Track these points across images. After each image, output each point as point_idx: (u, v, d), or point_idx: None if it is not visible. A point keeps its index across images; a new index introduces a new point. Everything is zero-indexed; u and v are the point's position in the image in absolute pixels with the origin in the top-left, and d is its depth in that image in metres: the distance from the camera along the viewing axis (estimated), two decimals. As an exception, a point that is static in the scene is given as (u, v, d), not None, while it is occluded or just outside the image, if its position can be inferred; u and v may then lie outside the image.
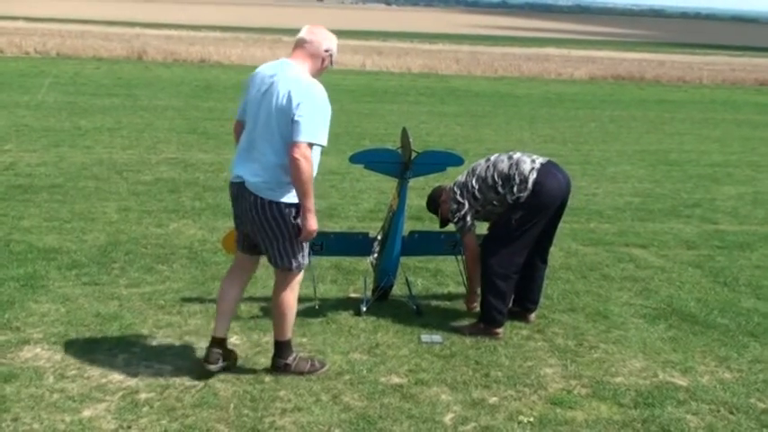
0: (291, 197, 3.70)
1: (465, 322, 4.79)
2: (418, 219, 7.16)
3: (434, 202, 4.91)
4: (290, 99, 3.61)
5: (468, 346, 4.46)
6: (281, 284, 3.89)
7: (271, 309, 4.10)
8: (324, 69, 3.86)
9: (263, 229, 3.75)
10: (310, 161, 3.61)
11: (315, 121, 3.64)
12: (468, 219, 4.64)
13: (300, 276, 3.94)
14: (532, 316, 4.89)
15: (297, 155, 3.57)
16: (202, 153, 10.46)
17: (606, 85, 27.21)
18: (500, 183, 4.53)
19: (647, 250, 6.83)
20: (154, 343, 4.31)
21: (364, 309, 4.84)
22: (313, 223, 3.71)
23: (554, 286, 5.63)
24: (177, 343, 4.32)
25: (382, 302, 5.06)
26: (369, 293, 5.06)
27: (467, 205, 4.63)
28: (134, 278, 5.37)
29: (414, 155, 4.49)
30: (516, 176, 4.48)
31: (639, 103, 21.10)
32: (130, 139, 11.20)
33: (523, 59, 33.05)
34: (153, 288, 5.19)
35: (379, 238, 5.05)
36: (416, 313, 4.94)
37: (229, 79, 21.54)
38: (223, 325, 3.95)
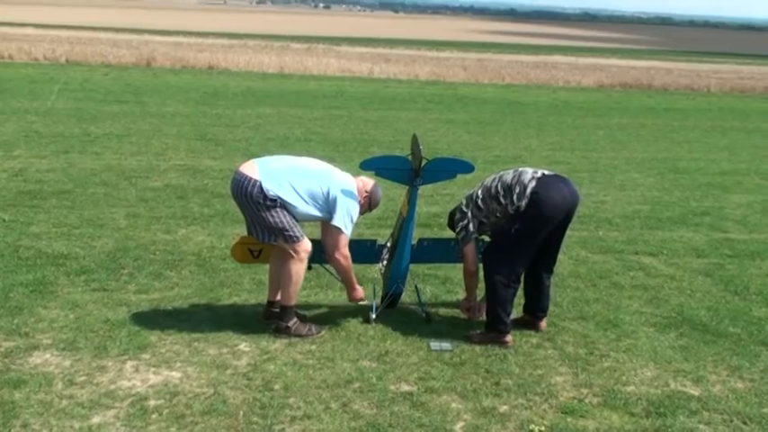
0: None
1: (474, 330, 4.77)
2: (427, 226, 7.15)
3: (451, 218, 4.92)
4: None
5: (477, 354, 4.44)
6: (288, 254, 4.38)
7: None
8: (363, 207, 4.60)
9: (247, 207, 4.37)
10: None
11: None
12: (471, 228, 4.65)
13: (306, 245, 4.39)
14: (543, 323, 4.88)
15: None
16: (211, 160, 10.49)
17: (614, 92, 27.20)
18: (502, 193, 4.55)
19: (656, 258, 6.80)
20: (162, 349, 4.31)
21: (373, 316, 4.83)
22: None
23: (564, 294, 5.61)
24: (186, 350, 4.32)
25: (391, 310, 5.04)
26: (378, 301, 5.05)
27: (469, 215, 4.67)
28: (143, 284, 5.37)
29: (424, 162, 4.48)
30: (516, 186, 4.51)
31: (648, 111, 21.07)
32: (139, 145, 11.24)
33: (531, 67, 33.07)
34: (161, 294, 5.19)
35: (388, 245, 5.04)
36: (426, 321, 4.93)
37: (237, 86, 21.64)
38: (272, 290, 4.68)
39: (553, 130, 15.88)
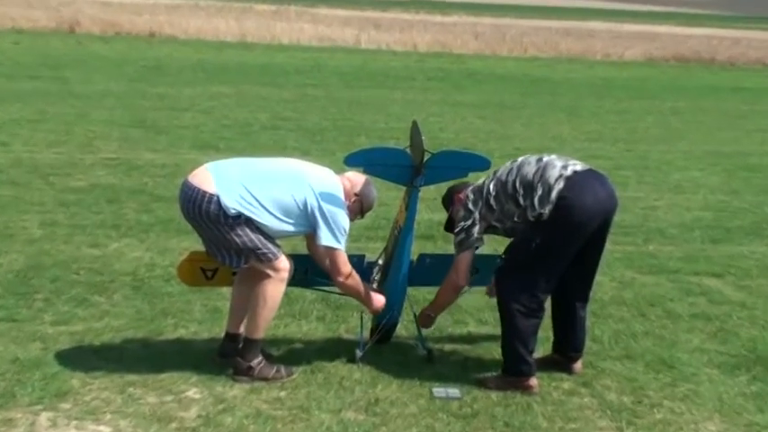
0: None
1: (491, 372, 4.76)
2: (430, 238, 7.16)
3: (451, 196, 4.89)
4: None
5: (494, 403, 4.43)
6: (262, 274, 4.42)
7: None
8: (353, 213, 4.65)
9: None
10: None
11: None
12: (474, 232, 4.63)
13: (285, 264, 4.44)
14: (578, 365, 4.88)
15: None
16: (151, 152, 10.46)
17: (667, 68, 27.37)
18: (521, 192, 4.50)
19: (722, 280, 6.82)
20: (87, 397, 4.27)
21: (360, 354, 4.82)
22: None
23: (604, 326, 5.61)
24: (118, 398, 4.29)
25: (383, 346, 5.02)
26: (366, 334, 5.03)
27: (476, 215, 4.63)
28: (62, 313, 5.34)
29: (426, 156, 4.48)
30: (539, 186, 4.45)
31: (710, 92, 21.21)
32: (58, 133, 11.19)
33: (561, 35, 33.24)
34: (86, 326, 5.16)
35: (380, 262, 5.03)
36: (427, 360, 4.91)
37: (185, 58, 21.66)
38: (234, 321, 4.70)
39: (590, 116, 15.95)
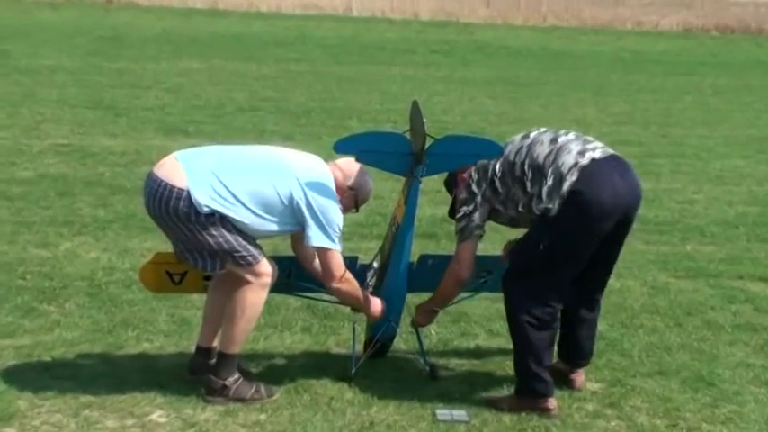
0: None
1: (502, 391, 4.78)
2: (433, 237, 7.17)
3: (454, 177, 4.87)
4: None
5: (506, 427, 4.45)
6: (241, 280, 4.42)
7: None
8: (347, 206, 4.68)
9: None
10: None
11: None
12: (476, 218, 4.64)
13: (267, 269, 4.44)
14: (580, 378, 4.91)
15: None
16: (109, 137, 10.46)
17: (708, 39, 27.41)
18: (529, 176, 4.50)
19: (770, 285, 6.86)
20: (36, 421, 4.27)
21: (353, 371, 4.83)
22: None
23: (634, 338, 5.64)
24: (72, 422, 4.30)
25: (379, 361, 5.04)
26: (359, 348, 5.04)
27: (479, 198, 4.63)
28: (5, 324, 5.34)
29: (429, 142, 4.49)
30: (550, 174, 4.43)
31: (756, 67, 21.24)
32: (0, 116, 11.17)
33: (585, 2, 33.21)
34: (34, 339, 5.16)
35: (375, 265, 5.05)
36: (430, 377, 4.93)
37: (148, 27, 21.63)
38: (207, 333, 4.71)
39: (618, 95, 15.97)
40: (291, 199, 4.38)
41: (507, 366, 4.96)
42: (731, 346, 5.63)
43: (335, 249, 4.47)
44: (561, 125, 13.19)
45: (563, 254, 4.46)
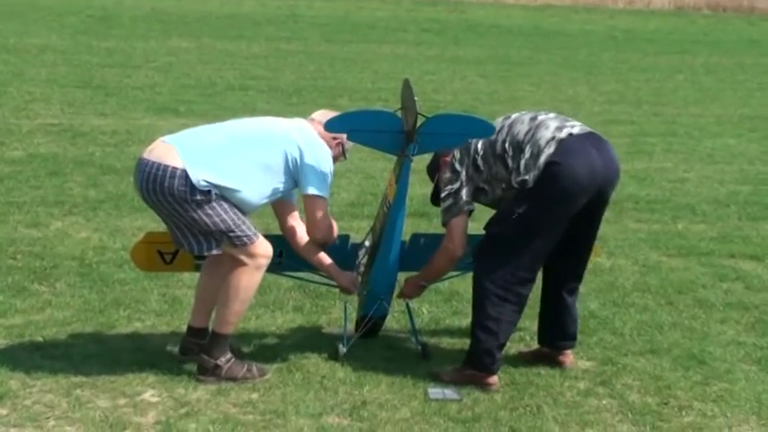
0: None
1: (450, 365, 4.78)
2: (424, 215, 7.17)
3: (437, 161, 4.91)
4: None
5: (498, 406, 4.46)
6: (236, 261, 4.44)
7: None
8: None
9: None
10: None
11: None
12: (463, 195, 4.66)
13: (263, 250, 4.46)
14: (569, 358, 4.92)
15: None
16: (99, 117, 10.42)
17: (700, 17, 27.37)
18: (510, 153, 4.54)
19: (761, 264, 6.87)
20: (28, 401, 4.27)
21: (344, 350, 4.84)
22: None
23: (626, 317, 5.65)
24: (63, 401, 4.29)
25: (371, 340, 5.05)
26: (351, 327, 5.05)
27: (463, 176, 4.66)
28: (-3, 304, 5.35)
29: (420, 121, 4.48)
30: (528, 147, 4.49)
31: (749, 46, 21.24)
32: (-10, 95, 11.14)
33: (577, -21, 33.12)
34: (26, 319, 5.16)
35: (366, 244, 5.05)
36: (421, 356, 4.94)
37: (138, 6, 21.50)
38: (199, 313, 4.73)
39: (610, 74, 15.95)
40: (287, 157, 4.48)
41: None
42: (722, 325, 5.65)
43: (325, 198, 4.59)
44: (553, 104, 13.25)
45: (537, 225, 4.48)
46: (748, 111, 13.21)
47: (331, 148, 4.68)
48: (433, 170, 4.96)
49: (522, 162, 4.46)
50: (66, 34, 16.57)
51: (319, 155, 4.55)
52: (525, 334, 5.27)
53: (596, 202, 4.59)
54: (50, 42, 15.46)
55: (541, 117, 4.61)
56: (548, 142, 4.44)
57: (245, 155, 4.44)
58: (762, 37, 23.23)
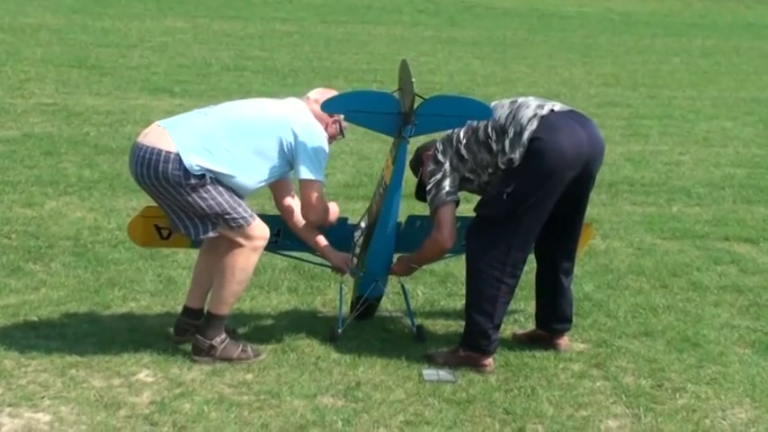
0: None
1: (446, 347, 4.78)
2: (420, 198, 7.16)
3: (419, 156, 4.94)
4: None
5: (492, 387, 4.47)
6: (233, 243, 4.45)
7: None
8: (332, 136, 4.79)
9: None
10: None
11: None
12: (446, 185, 4.66)
13: (260, 232, 4.47)
14: (564, 341, 4.93)
15: None
16: (93, 96, 10.39)
17: (697, 1, 27.29)
18: (493, 137, 4.55)
19: (756, 247, 6.88)
20: (23, 380, 4.28)
21: (339, 331, 4.85)
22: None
23: (620, 299, 5.66)
24: (58, 381, 4.30)
25: (365, 321, 5.06)
26: (346, 308, 5.05)
27: (447, 166, 4.67)
28: (-8, 283, 5.35)
29: (417, 102, 4.47)
30: (511, 127, 4.50)
31: (745, 30, 21.21)
32: (-16, 74, 11.11)
33: (574, -39, 33.01)
34: (20, 298, 5.16)
35: (362, 225, 5.05)
36: (416, 338, 4.95)
37: (134, -15, 21.31)
38: (195, 294, 4.75)
39: (606, 56, 15.93)
40: (282, 142, 4.48)
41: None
42: (716, 308, 5.66)
43: (321, 181, 4.59)
44: (549, 86, 13.26)
45: (527, 202, 4.47)
46: (744, 94, 13.20)
47: (328, 126, 4.68)
48: (416, 165, 4.97)
49: (507, 142, 4.47)
50: (61, 13, 16.50)
51: (314, 138, 4.54)
52: (520, 315, 5.29)
53: (583, 178, 4.59)
54: (45, 21, 15.40)
55: (521, 99, 4.65)
56: (530, 120, 4.46)
57: (239, 141, 4.42)
58: (758, 20, 23.21)
